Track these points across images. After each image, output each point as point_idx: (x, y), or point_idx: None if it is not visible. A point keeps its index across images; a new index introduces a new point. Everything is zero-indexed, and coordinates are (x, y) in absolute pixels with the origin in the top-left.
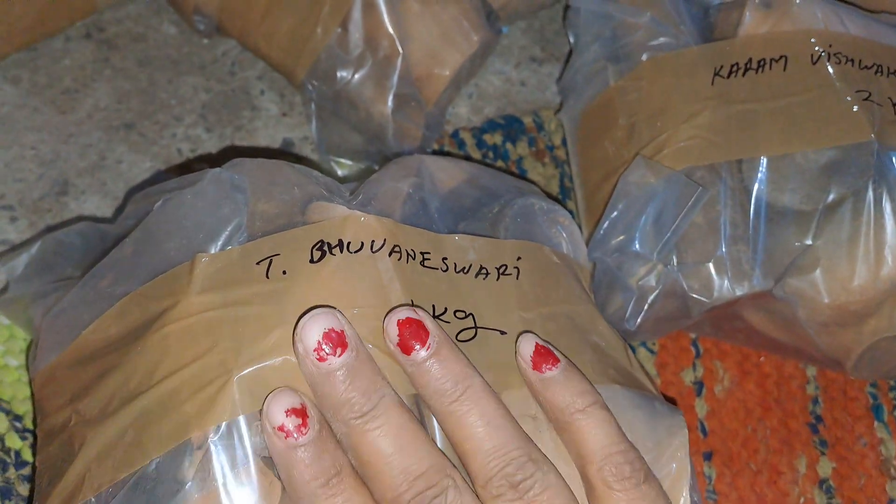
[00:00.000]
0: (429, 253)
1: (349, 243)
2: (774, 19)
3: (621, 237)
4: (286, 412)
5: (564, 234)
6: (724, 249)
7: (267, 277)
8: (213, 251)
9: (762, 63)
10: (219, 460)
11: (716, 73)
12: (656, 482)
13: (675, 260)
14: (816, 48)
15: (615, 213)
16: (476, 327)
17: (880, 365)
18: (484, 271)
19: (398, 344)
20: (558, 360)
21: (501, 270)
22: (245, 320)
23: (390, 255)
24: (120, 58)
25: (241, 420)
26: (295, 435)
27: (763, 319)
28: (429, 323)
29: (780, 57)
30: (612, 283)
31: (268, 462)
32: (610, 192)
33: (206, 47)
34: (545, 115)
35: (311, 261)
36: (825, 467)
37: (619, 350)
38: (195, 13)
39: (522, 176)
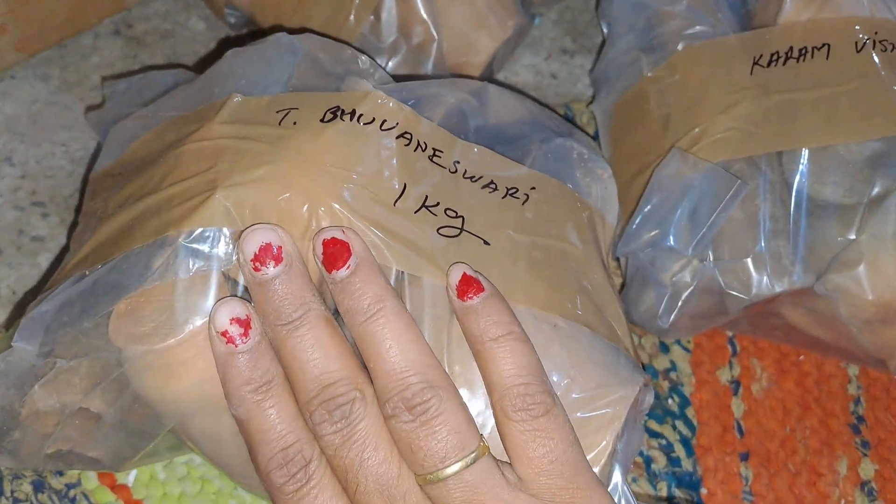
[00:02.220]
0: (441, 151)
1: (361, 115)
2: (817, 6)
3: (655, 232)
4: (231, 320)
5: (596, 186)
6: (763, 244)
7: (279, 125)
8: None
9: (804, 51)
10: (182, 259)
11: (755, 63)
12: (560, 419)
13: (711, 255)
14: (861, 35)
15: (648, 207)
16: (462, 229)
17: None
18: (492, 185)
19: (322, 262)
20: (482, 289)
21: (511, 191)
22: (245, 152)
23: (398, 137)
24: (148, 54)
25: (211, 232)
26: (236, 342)
27: (803, 316)
28: (355, 244)
29: (823, 45)
30: (645, 278)
31: (227, 277)
32: (643, 186)
33: (234, 42)
34: (577, 107)
35: (322, 120)
36: (867, 469)
37: (606, 302)
38: (227, 6)
39: None
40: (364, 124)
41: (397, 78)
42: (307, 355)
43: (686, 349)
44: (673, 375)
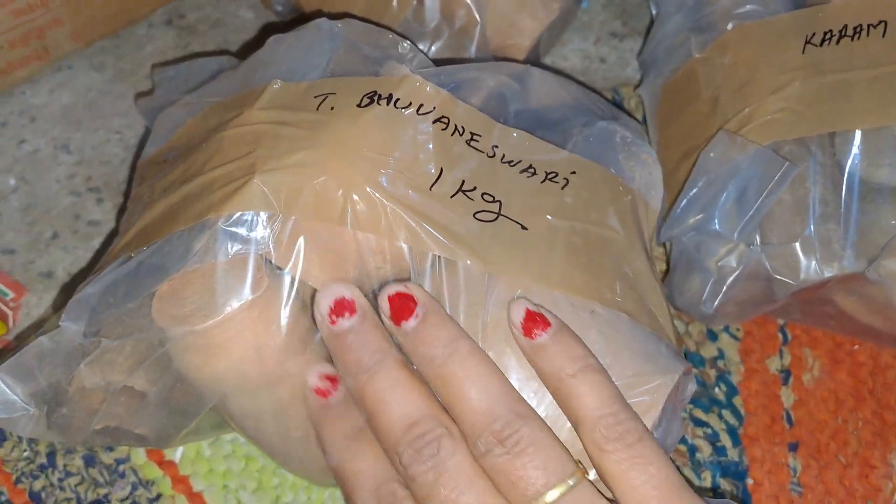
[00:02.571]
0: (479, 135)
1: (398, 100)
2: None
3: (700, 215)
4: (319, 376)
5: (640, 171)
6: (812, 229)
7: (317, 110)
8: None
9: (858, 29)
10: (221, 242)
11: (807, 42)
12: (652, 442)
13: (758, 240)
14: None
15: (694, 191)
16: (499, 214)
17: None
18: (531, 170)
19: (390, 317)
20: (548, 324)
21: (550, 176)
22: (284, 137)
23: (435, 122)
24: (200, 43)
25: (249, 215)
26: (328, 394)
27: (856, 304)
28: (418, 293)
29: (879, 22)
30: (690, 263)
31: (264, 260)
32: (690, 169)
33: (277, 29)
34: (625, 91)
35: (359, 105)
36: None
37: (647, 288)
38: None
39: None
40: (401, 109)
41: (439, 62)
42: (388, 397)
43: (735, 337)
44: (720, 364)
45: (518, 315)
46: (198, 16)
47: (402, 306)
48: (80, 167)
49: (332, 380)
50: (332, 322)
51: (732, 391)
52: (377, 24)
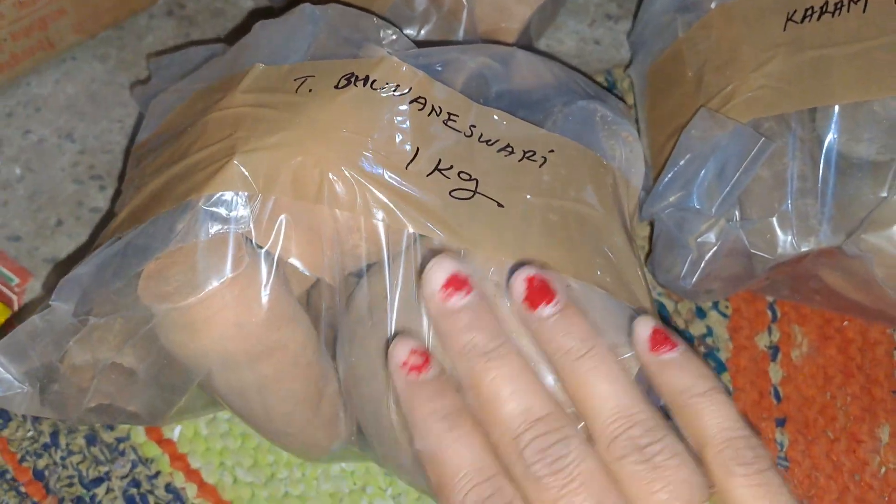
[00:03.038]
0: (457, 115)
1: (374, 80)
2: None
3: (680, 193)
4: (410, 351)
5: (621, 149)
6: (789, 204)
7: (296, 92)
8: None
9: (839, 5)
10: (202, 222)
11: (788, 19)
12: (778, 472)
13: (737, 215)
14: None
15: (676, 168)
16: (475, 192)
17: None
18: (509, 149)
19: (525, 299)
20: (676, 344)
21: (528, 154)
22: (263, 119)
23: (412, 102)
24: (200, 33)
25: (229, 195)
26: (419, 370)
27: (840, 279)
28: (555, 283)
29: None
30: (670, 240)
31: (245, 239)
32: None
33: (264, 14)
34: (617, 73)
35: (336, 86)
36: None
37: (627, 267)
38: None
39: None
40: (377, 90)
41: (426, 45)
42: (510, 387)
43: (724, 315)
44: (709, 341)
45: (645, 331)
46: (198, 6)
47: (543, 290)
48: (83, 156)
49: (424, 355)
50: (445, 298)
51: (721, 367)
52: (366, 10)
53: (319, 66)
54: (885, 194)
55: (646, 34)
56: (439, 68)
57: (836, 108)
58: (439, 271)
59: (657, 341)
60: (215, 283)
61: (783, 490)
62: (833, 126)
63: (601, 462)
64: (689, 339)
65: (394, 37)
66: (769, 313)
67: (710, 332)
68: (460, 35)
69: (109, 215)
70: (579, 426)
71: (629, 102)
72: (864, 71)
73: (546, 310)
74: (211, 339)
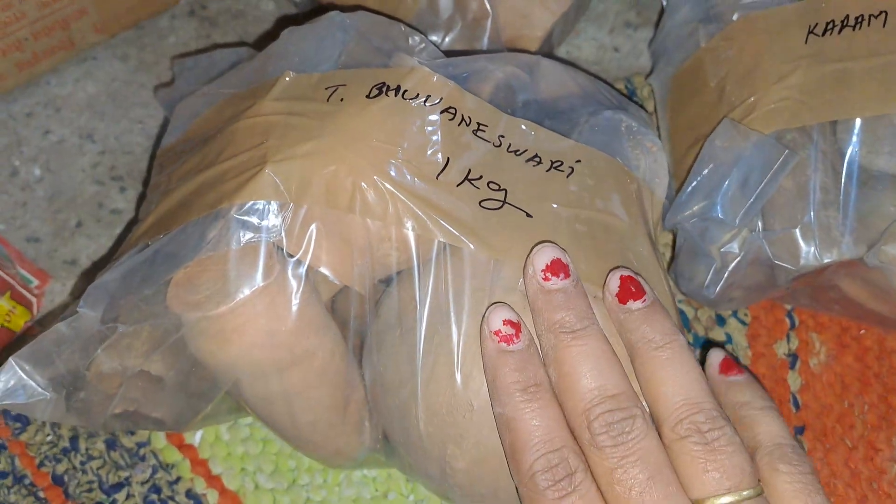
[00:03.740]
0: (486, 125)
1: (406, 91)
2: None
3: (703, 203)
4: (504, 321)
5: (645, 159)
6: (812, 215)
7: (327, 101)
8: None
9: (860, 19)
10: (234, 230)
11: (810, 32)
12: (818, 477)
13: (760, 226)
14: None
15: (699, 178)
16: (504, 202)
17: None
18: (537, 159)
19: (616, 294)
20: (743, 371)
21: (555, 164)
22: (295, 127)
23: (442, 112)
24: (221, 34)
25: (261, 204)
26: (510, 341)
27: (860, 290)
28: (645, 285)
29: (880, 13)
30: (693, 249)
31: (276, 248)
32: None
33: (293, 21)
34: (637, 80)
35: (367, 96)
36: None
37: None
38: None
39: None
40: (409, 99)
41: (451, 54)
42: (590, 364)
43: (743, 322)
44: (728, 348)
45: (717, 359)
46: (219, 7)
47: (635, 287)
48: (103, 157)
49: (516, 326)
50: (546, 279)
51: None
52: (391, 17)
53: (350, 75)
54: None
55: (667, 43)
56: (467, 77)
57: (858, 121)
58: (542, 255)
59: (727, 367)
60: (246, 292)
61: (820, 492)
62: (854, 139)
63: (660, 443)
64: (708, 347)
65: (422, 45)
66: (787, 321)
67: (729, 340)
68: (485, 42)
69: (131, 219)
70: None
71: (649, 110)
72: (884, 84)
73: (635, 304)
74: (241, 347)
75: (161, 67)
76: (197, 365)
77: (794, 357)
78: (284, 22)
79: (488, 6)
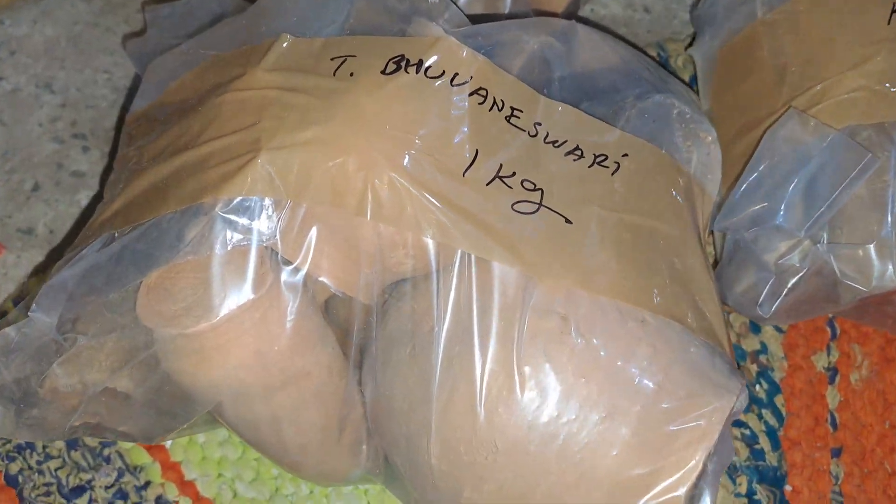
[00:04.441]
0: (521, 110)
1: (429, 67)
2: None
3: (762, 205)
4: None
5: (698, 151)
6: (889, 229)
7: (334, 75)
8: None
9: None
10: (219, 231)
11: (893, 10)
12: None
13: (825, 238)
14: None
15: (755, 175)
16: (540, 204)
17: None
18: (578, 151)
19: None
20: None
21: (599, 159)
22: (294, 107)
23: (471, 94)
24: None
25: (252, 201)
26: None
27: None
28: None
29: None
30: (745, 258)
31: (269, 252)
32: (749, 147)
33: None
34: (672, 48)
35: (383, 71)
36: None
37: (702, 290)
38: None
39: None
40: (432, 78)
41: (471, 17)
42: None
43: (779, 330)
44: (763, 358)
45: None
46: None
47: None
48: (64, 110)
49: None
50: None
51: (774, 389)
52: None
53: (362, 44)
54: None
55: (716, 10)
56: (496, 49)
57: None
58: None
59: None
60: (233, 306)
61: None
62: None
63: None
64: (741, 356)
65: (444, 7)
66: (829, 330)
67: (764, 349)
68: (507, 3)
69: (93, 182)
70: None
71: (685, 81)
72: None
73: None
74: (224, 369)
75: (130, 9)
76: (171, 383)
77: (833, 371)
78: None
79: None
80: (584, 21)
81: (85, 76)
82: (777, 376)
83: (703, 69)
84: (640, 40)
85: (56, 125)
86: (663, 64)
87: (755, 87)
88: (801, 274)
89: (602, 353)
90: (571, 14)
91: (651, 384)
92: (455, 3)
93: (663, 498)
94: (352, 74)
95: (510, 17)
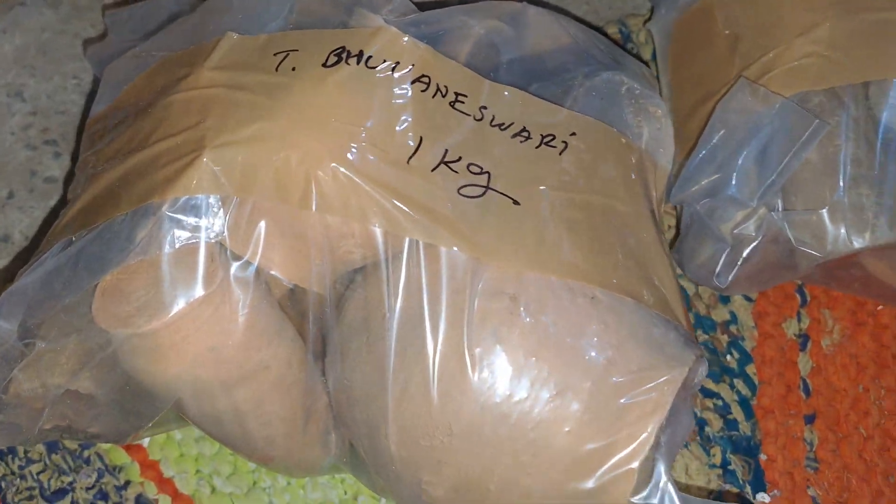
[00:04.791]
0: (465, 95)
1: (370, 57)
2: None
3: (715, 176)
4: None
5: (649, 126)
6: (842, 193)
7: (276, 70)
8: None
9: None
10: (167, 230)
11: None
12: None
13: (780, 205)
14: None
15: (708, 147)
16: (487, 187)
17: None
18: (525, 133)
19: None
20: None
21: (547, 139)
22: (238, 104)
23: (414, 82)
24: None
25: (199, 199)
26: None
27: (888, 269)
28: None
29: None
30: (702, 231)
31: (219, 247)
32: (704, 120)
33: None
34: (633, 23)
35: (324, 64)
36: None
37: (657, 265)
38: None
39: None
40: (373, 68)
41: (422, 6)
42: None
43: (749, 299)
44: (733, 328)
45: None
46: None
47: None
48: (35, 117)
49: None
50: None
51: (746, 358)
52: None
53: (304, 38)
54: None
55: None
56: (442, 36)
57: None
58: None
59: None
60: (184, 303)
61: None
62: (891, 103)
63: None
64: (711, 327)
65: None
66: (798, 297)
67: (734, 319)
68: None
69: (67, 187)
70: None
71: (647, 58)
72: None
73: None
74: (180, 366)
75: (97, 14)
76: (132, 382)
77: (804, 338)
78: None
79: None
80: (542, 2)
81: (55, 83)
82: (748, 345)
83: (660, 44)
84: (602, 17)
85: (28, 133)
86: (625, 39)
87: (709, 58)
88: (755, 242)
89: (552, 332)
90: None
91: (602, 359)
92: None
93: (618, 471)
94: (294, 69)
95: (462, 1)
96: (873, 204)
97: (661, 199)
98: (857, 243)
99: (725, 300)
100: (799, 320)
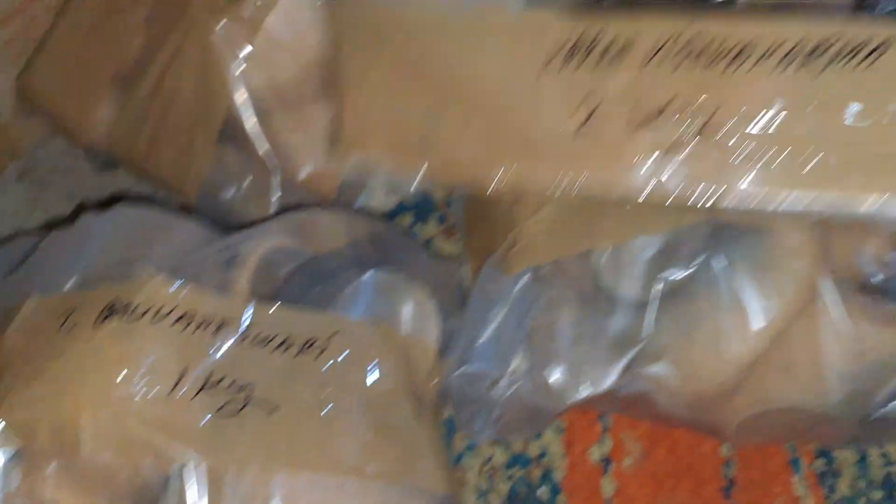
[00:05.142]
0: (232, 318)
1: (137, 306)
2: None
3: (463, 353)
4: None
5: (410, 311)
6: (565, 351)
7: (59, 329)
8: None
9: None
10: None
11: None
12: None
13: (522, 366)
14: None
15: (461, 328)
16: (245, 403)
17: (764, 431)
18: (286, 344)
19: None
20: None
21: (307, 345)
22: (28, 363)
23: (176, 321)
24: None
25: None
26: None
27: (668, 402)
28: None
29: None
30: (462, 397)
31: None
32: None
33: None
34: None
35: (96, 321)
36: None
37: (416, 441)
38: (89, 149)
39: None
40: (139, 317)
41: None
42: None
43: (560, 429)
44: (545, 461)
45: None
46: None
47: None
48: None
49: None
50: None
51: (555, 490)
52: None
53: (83, 298)
54: (650, 331)
55: None
56: (232, 260)
57: (604, 251)
58: None
59: None
60: None
61: None
62: (603, 268)
63: None
64: (526, 462)
65: (184, 234)
66: (600, 423)
67: (544, 453)
68: (274, 205)
69: None
70: None
71: None
72: (624, 216)
73: None
74: None
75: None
76: None
77: (607, 461)
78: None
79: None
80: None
81: None
82: (558, 476)
83: (459, 216)
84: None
85: None
86: (449, 203)
87: (492, 229)
88: (501, 402)
89: None
90: (349, 202)
91: None
92: (197, 219)
93: None
94: (73, 327)
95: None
96: (592, 358)
97: (429, 372)
98: (585, 392)
99: (537, 435)
100: (601, 445)
